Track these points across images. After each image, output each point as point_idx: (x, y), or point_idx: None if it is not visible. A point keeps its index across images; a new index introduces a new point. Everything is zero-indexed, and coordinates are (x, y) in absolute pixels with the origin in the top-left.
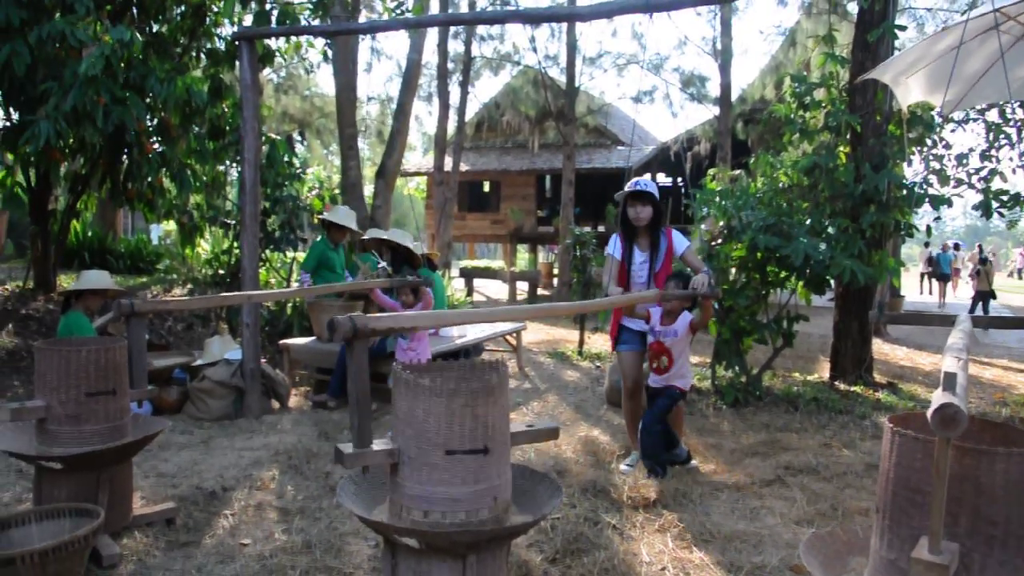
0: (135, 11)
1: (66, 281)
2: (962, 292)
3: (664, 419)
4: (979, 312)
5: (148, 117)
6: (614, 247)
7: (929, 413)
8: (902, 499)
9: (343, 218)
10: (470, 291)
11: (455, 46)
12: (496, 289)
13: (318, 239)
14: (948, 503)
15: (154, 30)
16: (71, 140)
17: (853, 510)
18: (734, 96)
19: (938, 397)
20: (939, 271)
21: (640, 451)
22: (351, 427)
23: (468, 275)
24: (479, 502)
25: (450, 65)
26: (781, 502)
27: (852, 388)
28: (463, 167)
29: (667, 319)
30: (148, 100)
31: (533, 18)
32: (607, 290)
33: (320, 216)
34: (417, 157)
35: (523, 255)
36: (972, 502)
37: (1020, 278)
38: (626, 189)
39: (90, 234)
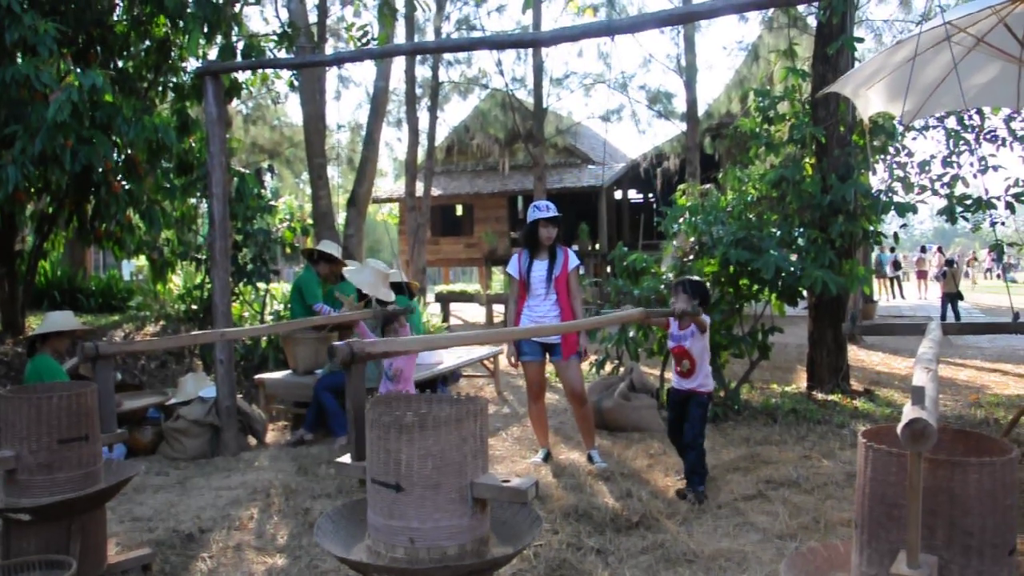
0: (99, 49)
1: (35, 322)
2: (931, 294)
3: (704, 430)
4: (949, 313)
5: (115, 155)
6: (512, 266)
7: (899, 429)
8: (879, 513)
9: (333, 248)
10: (446, 316)
11: (422, 72)
12: (473, 313)
13: (302, 271)
14: (924, 515)
15: (119, 66)
16: (37, 182)
17: (835, 522)
18: (701, 111)
19: (908, 412)
20: (880, 270)
21: (685, 470)
22: (348, 442)
23: (444, 300)
24: (393, 538)
25: (418, 91)
26: (764, 517)
27: (830, 397)
28: (435, 192)
29: (683, 323)
30: (115, 138)
31: (498, 44)
32: (509, 305)
33: (314, 248)
34: (388, 183)
35: (498, 277)
36: (948, 513)
37: (988, 278)
38: (539, 215)
39: (59, 273)
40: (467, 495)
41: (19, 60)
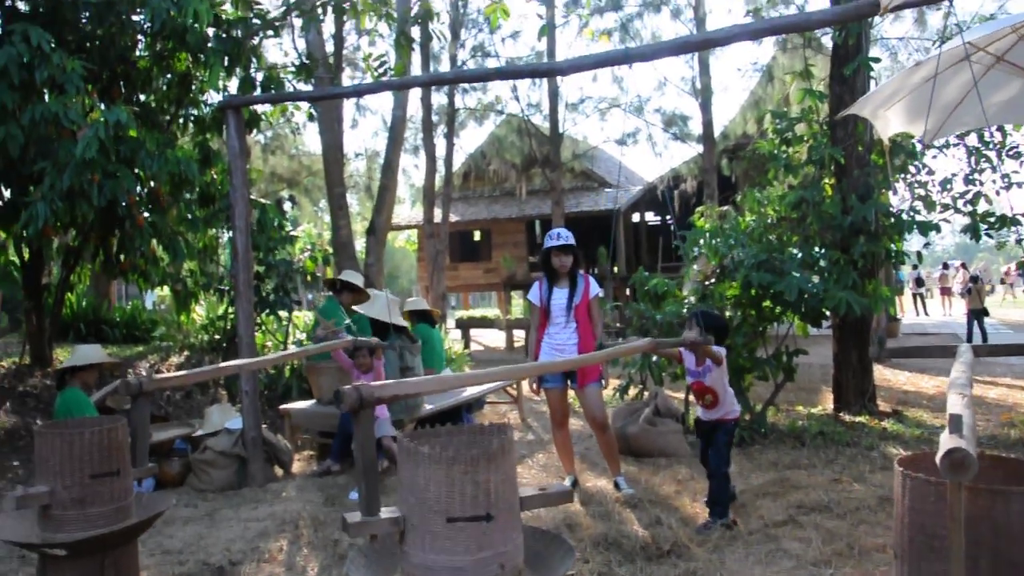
0: (122, 84)
1: (62, 354)
2: (955, 310)
3: (729, 458)
4: (976, 330)
5: (138, 188)
6: (533, 293)
7: (938, 458)
8: (919, 544)
9: (356, 278)
10: (467, 343)
11: (438, 99)
12: (493, 338)
13: (325, 301)
14: (967, 546)
15: (141, 101)
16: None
17: (869, 547)
18: (716, 133)
19: (945, 441)
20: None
21: (708, 499)
22: (358, 494)
23: (464, 326)
24: (483, 570)
25: (434, 118)
26: (796, 543)
27: (857, 418)
28: (453, 217)
29: (699, 360)
30: (138, 172)
31: (516, 74)
32: (530, 332)
33: (337, 278)
34: (405, 209)
35: (517, 302)
36: (991, 544)
37: (1012, 295)
38: (551, 243)
39: (84, 305)
40: (518, 510)
41: (47, 98)
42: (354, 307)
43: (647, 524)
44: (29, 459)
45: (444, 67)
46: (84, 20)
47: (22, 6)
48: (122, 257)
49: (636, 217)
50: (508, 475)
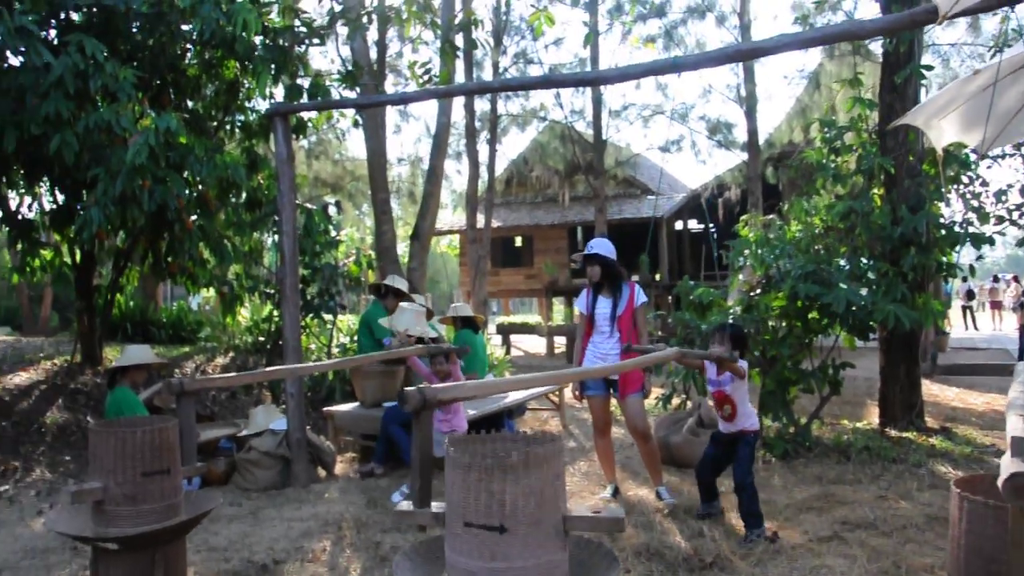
0: (172, 92)
1: (111, 353)
2: (1006, 324)
3: (752, 469)
4: None
5: (187, 193)
6: (580, 302)
7: (1000, 482)
8: (976, 568)
9: (401, 283)
10: (508, 348)
11: (481, 105)
12: (533, 344)
13: (370, 306)
14: None
15: (190, 107)
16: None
17: (917, 567)
18: (761, 140)
19: (1008, 464)
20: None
21: (741, 512)
22: (410, 489)
23: (505, 331)
24: None
25: (477, 124)
26: (841, 560)
27: (904, 434)
28: (495, 223)
29: (720, 369)
30: (187, 177)
31: (563, 83)
32: (576, 340)
33: (381, 283)
34: (447, 214)
35: (559, 308)
36: None
37: None
38: (584, 252)
39: (132, 305)
40: (560, 530)
41: (100, 106)
42: (379, 320)
43: (689, 536)
44: (80, 454)
45: (487, 74)
46: (135, 30)
47: (76, 18)
48: (170, 259)
49: (679, 225)
50: (535, 490)
